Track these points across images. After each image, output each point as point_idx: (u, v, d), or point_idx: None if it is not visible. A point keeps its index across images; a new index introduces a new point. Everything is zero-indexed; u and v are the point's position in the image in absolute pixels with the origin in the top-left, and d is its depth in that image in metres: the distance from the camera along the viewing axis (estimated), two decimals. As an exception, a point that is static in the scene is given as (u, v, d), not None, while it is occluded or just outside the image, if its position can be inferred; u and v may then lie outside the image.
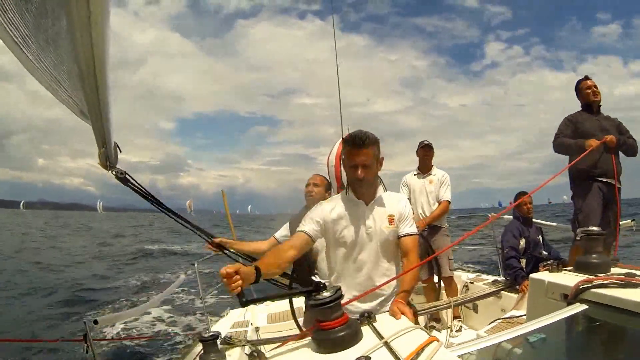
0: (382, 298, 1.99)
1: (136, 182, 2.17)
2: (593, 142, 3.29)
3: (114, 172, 2.08)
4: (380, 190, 2.06)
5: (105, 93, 1.22)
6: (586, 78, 3.70)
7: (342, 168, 2.03)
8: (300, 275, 2.72)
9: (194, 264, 4.15)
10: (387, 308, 1.81)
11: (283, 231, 3.00)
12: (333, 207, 2.02)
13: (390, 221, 1.99)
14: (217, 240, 2.68)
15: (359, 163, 1.92)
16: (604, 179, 3.40)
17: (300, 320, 3.04)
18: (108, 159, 1.95)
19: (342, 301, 1.41)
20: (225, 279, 1.41)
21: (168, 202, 1.90)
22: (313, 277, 2.81)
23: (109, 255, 17.80)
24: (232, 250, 2.73)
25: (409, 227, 2.02)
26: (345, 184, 2.08)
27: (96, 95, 1.19)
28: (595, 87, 3.63)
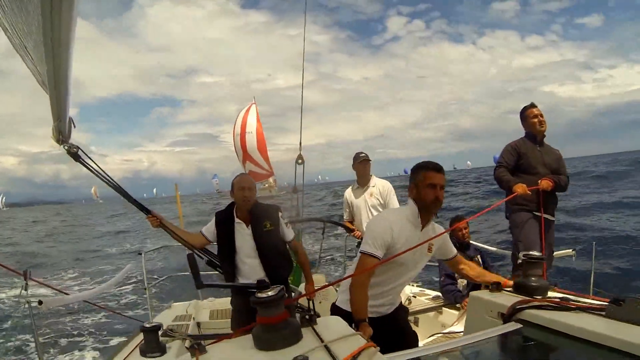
0: (397, 305, 2.24)
1: (89, 157, 2.09)
2: (519, 188, 3.27)
3: (66, 147, 2.02)
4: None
5: (67, 68, 1.25)
6: (532, 105, 3.55)
7: (414, 189, 2.00)
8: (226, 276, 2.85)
9: (140, 254, 4.02)
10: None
11: (211, 227, 2.91)
12: (397, 222, 2.02)
13: (429, 249, 2.11)
14: (155, 214, 2.80)
15: (440, 182, 1.94)
16: (537, 213, 3.41)
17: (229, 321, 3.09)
18: (61, 134, 1.89)
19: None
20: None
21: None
22: (238, 277, 2.82)
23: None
24: (167, 227, 2.81)
25: (453, 250, 2.26)
26: (417, 208, 2.03)
27: (59, 69, 1.23)
28: (542, 115, 3.49)
